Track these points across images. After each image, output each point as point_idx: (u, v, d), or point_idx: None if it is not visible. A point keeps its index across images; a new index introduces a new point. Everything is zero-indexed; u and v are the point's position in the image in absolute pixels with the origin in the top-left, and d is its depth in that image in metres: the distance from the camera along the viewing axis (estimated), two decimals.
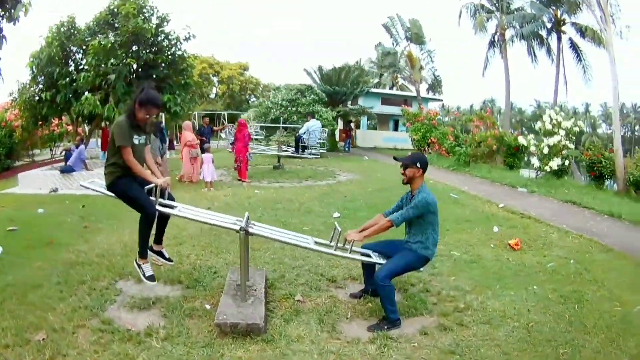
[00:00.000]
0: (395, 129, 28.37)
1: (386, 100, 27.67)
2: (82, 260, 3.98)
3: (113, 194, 3.11)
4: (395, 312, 2.98)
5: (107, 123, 10.41)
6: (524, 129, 45.68)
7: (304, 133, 12.24)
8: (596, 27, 15.26)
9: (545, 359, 2.67)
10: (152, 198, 3.05)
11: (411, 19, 25.06)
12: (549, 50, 21.09)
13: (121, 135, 2.90)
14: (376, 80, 26.75)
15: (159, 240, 3.38)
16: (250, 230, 2.98)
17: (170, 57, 9.88)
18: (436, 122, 17.93)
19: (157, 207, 3.05)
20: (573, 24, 19.67)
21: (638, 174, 9.78)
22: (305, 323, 2.92)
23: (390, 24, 25.52)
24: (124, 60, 9.14)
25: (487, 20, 22.27)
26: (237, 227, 2.93)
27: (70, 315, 2.88)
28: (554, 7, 19.71)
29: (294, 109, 15.91)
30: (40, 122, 10.92)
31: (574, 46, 20.47)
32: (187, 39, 9.92)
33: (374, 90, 25.51)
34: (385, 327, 2.91)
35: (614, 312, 3.40)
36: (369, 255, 3.21)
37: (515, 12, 21.27)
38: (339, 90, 19.91)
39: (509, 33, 21.77)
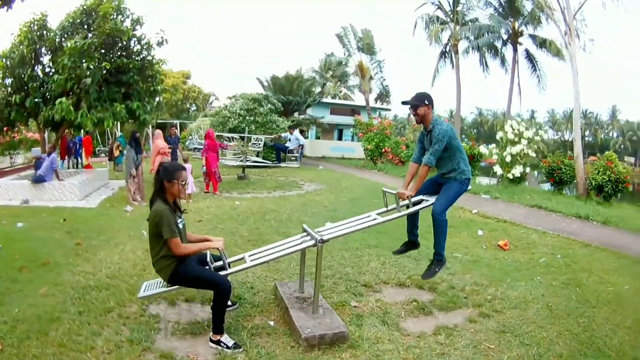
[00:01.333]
0: (340, 138, 30.74)
1: (335, 110, 29.85)
2: (94, 283, 3.84)
3: (178, 286, 3.08)
4: (444, 247, 3.54)
5: (72, 131, 10.22)
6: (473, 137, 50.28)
7: (291, 143, 13.20)
8: (559, 40, 17.69)
9: (570, 327, 3.56)
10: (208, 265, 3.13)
11: (364, 30, 27.47)
12: (503, 61, 23.93)
13: (169, 225, 2.88)
14: (319, 89, 28.54)
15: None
16: (325, 237, 3.30)
17: (140, 62, 9.85)
18: (389, 131, 19.70)
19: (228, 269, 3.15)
20: (531, 35, 22.18)
21: (600, 178, 11.26)
22: (373, 326, 3.39)
23: (343, 34, 27.60)
24: (99, 64, 9.07)
25: (442, 31, 24.74)
26: (312, 242, 3.29)
27: (119, 354, 2.73)
28: (511, 19, 22.15)
29: (252, 118, 16.62)
30: (5, 128, 10.47)
31: (529, 57, 23.09)
32: (159, 43, 9.94)
33: (323, 100, 27.50)
34: (436, 270, 3.54)
35: (608, 291, 4.50)
36: (420, 202, 3.60)
37: (470, 24, 23.93)
38: (292, 100, 21.00)
39: (462, 44, 24.44)
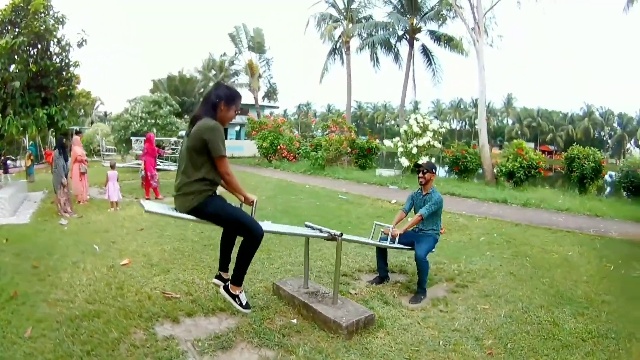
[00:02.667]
0: (225, 137, 32.25)
1: None
2: (79, 312, 3.55)
3: (197, 218, 2.94)
4: (426, 282, 4.36)
5: None
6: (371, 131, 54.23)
7: None
8: (464, 36, 20.54)
9: (537, 286, 4.62)
10: None
11: (255, 28, 29.92)
12: (396, 57, 26.61)
13: (222, 142, 2.82)
14: (202, 90, 29.83)
15: (226, 267, 3.37)
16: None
17: (59, 64, 9.74)
18: (283, 129, 21.21)
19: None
20: (430, 31, 24.53)
21: (511, 165, 13.54)
22: (381, 307, 3.90)
23: (236, 33, 29.62)
24: (27, 65, 9.03)
25: (335, 29, 26.89)
26: (325, 235, 3.63)
27: None
28: (409, 16, 24.22)
29: (153, 121, 17.14)
30: None
31: (425, 51, 25.73)
32: (80, 44, 9.81)
33: None
34: (422, 297, 4.23)
35: (555, 258, 5.83)
36: (395, 245, 4.56)
37: (364, 21, 26.26)
38: (186, 101, 22.45)
39: (354, 41, 26.81)
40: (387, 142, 16.21)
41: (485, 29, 15.32)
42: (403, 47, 26.49)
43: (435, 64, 25.72)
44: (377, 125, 76.21)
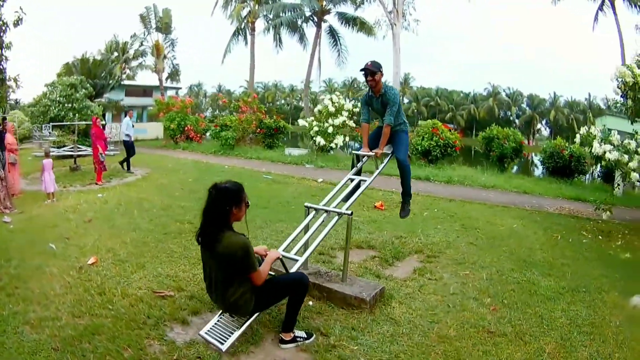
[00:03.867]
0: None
1: (130, 91, 34.21)
2: (72, 331, 3.20)
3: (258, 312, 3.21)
4: (410, 186, 4.85)
5: None
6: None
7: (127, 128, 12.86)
8: (381, 19, 20.87)
9: (500, 253, 5.54)
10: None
11: (164, 9, 31.97)
12: (302, 38, 27.96)
13: (255, 257, 3.04)
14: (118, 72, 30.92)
15: None
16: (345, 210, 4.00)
17: None
18: (190, 110, 22.12)
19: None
20: (339, 13, 26.23)
21: (427, 144, 14.71)
22: (377, 277, 4.44)
23: (146, 14, 31.79)
24: None
25: (243, 9, 27.55)
26: (348, 213, 3.93)
27: None
28: None
29: (70, 105, 17.63)
30: None
31: (332, 33, 27.45)
32: (16, 24, 9.16)
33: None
34: (407, 209, 4.83)
35: (503, 230, 6.87)
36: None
37: (272, 2, 26.77)
38: (98, 83, 23.78)
39: (261, 22, 27.77)
40: (302, 122, 17.11)
41: (403, 13, 16.59)
42: (309, 29, 27.96)
43: (340, 45, 27.53)
44: (268, 104, 77.11)
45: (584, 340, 3.38)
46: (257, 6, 27.28)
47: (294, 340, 3.22)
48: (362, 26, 24.75)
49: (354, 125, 15.93)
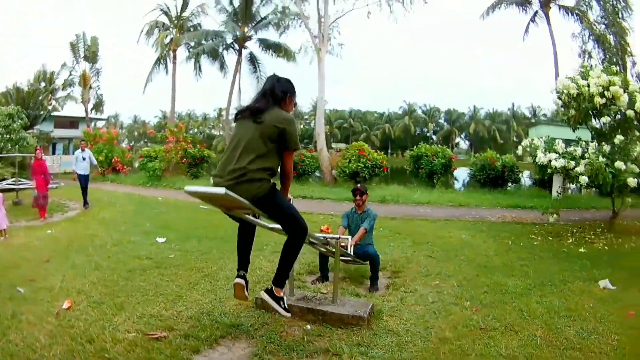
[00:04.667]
0: (53, 152, 33.79)
1: (58, 122, 35.11)
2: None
3: (253, 206, 3.05)
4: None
5: None
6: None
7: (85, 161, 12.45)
8: (308, 45, 21.37)
9: (459, 263, 6.09)
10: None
11: (92, 37, 33.43)
12: (222, 65, 28.59)
13: (297, 136, 3.16)
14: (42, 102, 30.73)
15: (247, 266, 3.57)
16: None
17: None
18: (117, 141, 22.68)
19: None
20: (260, 39, 27.07)
21: (355, 166, 15.80)
22: (357, 296, 4.70)
23: (76, 42, 33.15)
24: None
25: (167, 37, 28.15)
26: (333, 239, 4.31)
27: None
28: (240, 24, 26.26)
29: (8, 136, 17.73)
30: None
31: (252, 59, 28.39)
32: None
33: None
34: (376, 286, 5.18)
35: (455, 241, 7.53)
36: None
37: (193, 30, 27.57)
38: (31, 114, 24.16)
39: (183, 50, 28.35)
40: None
41: (329, 37, 17.54)
42: (230, 56, 28.74)
43: (260, 71, 28.40)
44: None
45: (566, 322, 3.91)
46: (179, 34, 27.97)
47: (281, 299, 3.35)
48: (283, 52, 25.72)
49: None
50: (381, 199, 12.90)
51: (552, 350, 3.48)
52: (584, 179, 7.18)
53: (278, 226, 3.45)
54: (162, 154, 19.46)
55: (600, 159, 7.13)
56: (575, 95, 7.87)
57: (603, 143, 7.82)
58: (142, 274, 5.47)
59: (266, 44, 27.12)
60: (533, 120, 57.39)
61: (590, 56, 22.26)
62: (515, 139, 63.56)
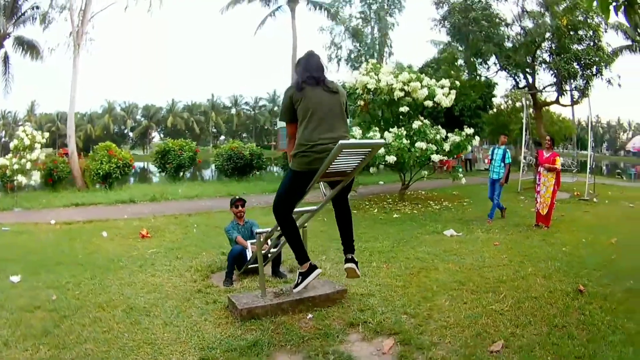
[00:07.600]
0: None
1: None
2: None
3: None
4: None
5: None
6: None
7: None
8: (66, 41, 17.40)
9: (428, 265, 5.76)
10: None
11: None
12: None
13: None
14: None
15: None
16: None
17: None
18: None
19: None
20: (17, 38, 21.50)
21: (107, 167, 14.27)
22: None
23: None
24: None
25: None
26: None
27: None
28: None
29: None
30: None
31: (5, 60, 22.30)
32: None
33: None
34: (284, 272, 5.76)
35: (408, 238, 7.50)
36: None
37: None
38: None
39: None
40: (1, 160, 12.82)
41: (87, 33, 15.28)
42: None
43: (9, 73, 22.43)
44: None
45: (455, 259, 5.71)
46: None
47: (305, 274, 3.74)
48: (34, 50, 20.88)
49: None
50: (151, 198, 12.73)
51: (475, 271, 5.12)
52: (392, 159, 9.21)
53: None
54: None
55: (404, 141, 9.37)
56: (373, 89, 9.92)
57: (402, 128, 10.10)
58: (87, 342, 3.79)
59: (20, 42, 21.65)
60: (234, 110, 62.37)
61: (339, 48, 26.42)
62: (213, 128, 70.90)
